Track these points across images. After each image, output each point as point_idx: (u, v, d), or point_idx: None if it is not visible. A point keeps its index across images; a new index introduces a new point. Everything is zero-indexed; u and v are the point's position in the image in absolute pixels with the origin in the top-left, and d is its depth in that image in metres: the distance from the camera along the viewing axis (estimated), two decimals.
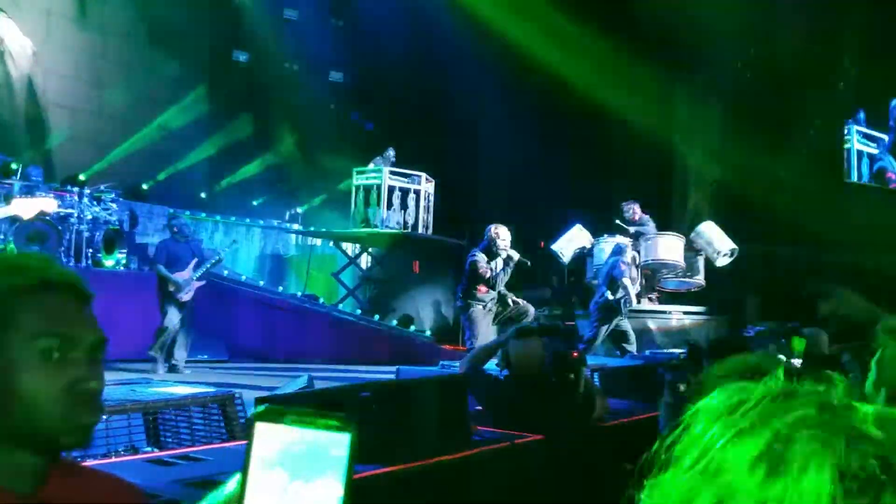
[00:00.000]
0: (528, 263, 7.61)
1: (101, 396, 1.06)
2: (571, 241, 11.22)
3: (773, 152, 12.48)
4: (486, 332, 7.26)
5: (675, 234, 11.09)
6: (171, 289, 8.02)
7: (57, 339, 1.01)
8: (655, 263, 10.90)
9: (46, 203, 5.74)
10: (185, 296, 8.08)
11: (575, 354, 3.60)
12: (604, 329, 8.58)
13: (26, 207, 5.38)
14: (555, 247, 11.38)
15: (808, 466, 0.49)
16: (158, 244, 8.61)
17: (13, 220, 9.40)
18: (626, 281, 8.48)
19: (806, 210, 11.93)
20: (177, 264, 8.11)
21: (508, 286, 7.55)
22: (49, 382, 1.00)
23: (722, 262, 11.06)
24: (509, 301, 7.43)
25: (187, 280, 8.09)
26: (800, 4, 12.87)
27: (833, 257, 10.88)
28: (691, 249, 11.06)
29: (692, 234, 11.14)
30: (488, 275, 7.28)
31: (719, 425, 0.54)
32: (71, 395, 1.01)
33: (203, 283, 8.27)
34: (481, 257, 7.37)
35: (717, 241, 11.00)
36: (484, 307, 7.32)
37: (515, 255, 7.39)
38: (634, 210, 11.16)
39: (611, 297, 8.45)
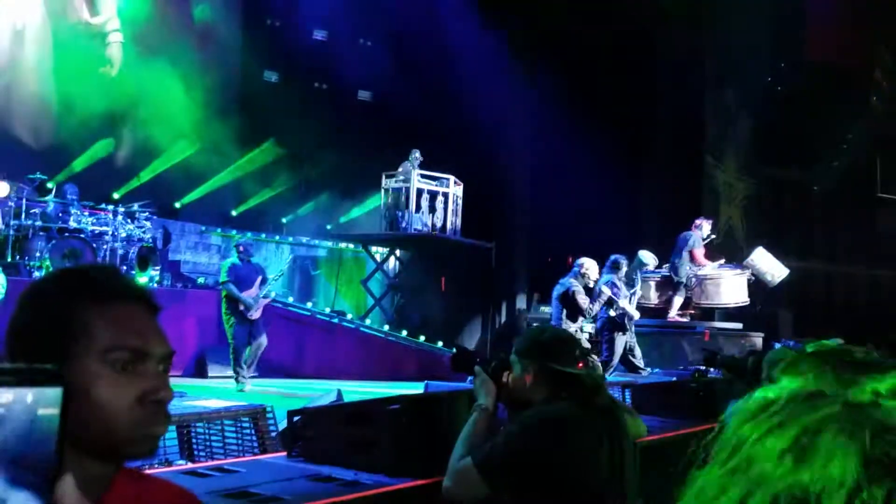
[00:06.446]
0: None
1: (169, 407, 1.07)
2: None
3: (805, 166, 12.36)
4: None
5: (736, 271, 10.73)
6: (242, 308, 8.35)
7: (129, 350, 1.03)
8: (720, 308, 10.85)
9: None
10: (255, 314, 8.44)
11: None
12: (617, 343, 8.58)
13: None
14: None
15: (834, 455, 0.53)
16: (228, 267, 8.63)
17: (49, 237, 9.62)
18: (623, 302, 8.50)
19: (839, 224, 11.76)
20: (244, 284, 8.41)
21: None
22: (122, 394, 1.01)
23: (773, 284, 10.79)
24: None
25: (255, 298, 8.43)
26: (830, 17, 12.76)
27: (865, 270, 10.66)
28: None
29: (746, 261, 10.81)
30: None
31: (750, 425, 0.58)
32: (142, 406, 1.02)
33: (269, 300, 8.68)
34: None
35: (772, 269, 10.65)
36: None
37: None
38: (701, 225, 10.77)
39: (612, 313, 8.50)
